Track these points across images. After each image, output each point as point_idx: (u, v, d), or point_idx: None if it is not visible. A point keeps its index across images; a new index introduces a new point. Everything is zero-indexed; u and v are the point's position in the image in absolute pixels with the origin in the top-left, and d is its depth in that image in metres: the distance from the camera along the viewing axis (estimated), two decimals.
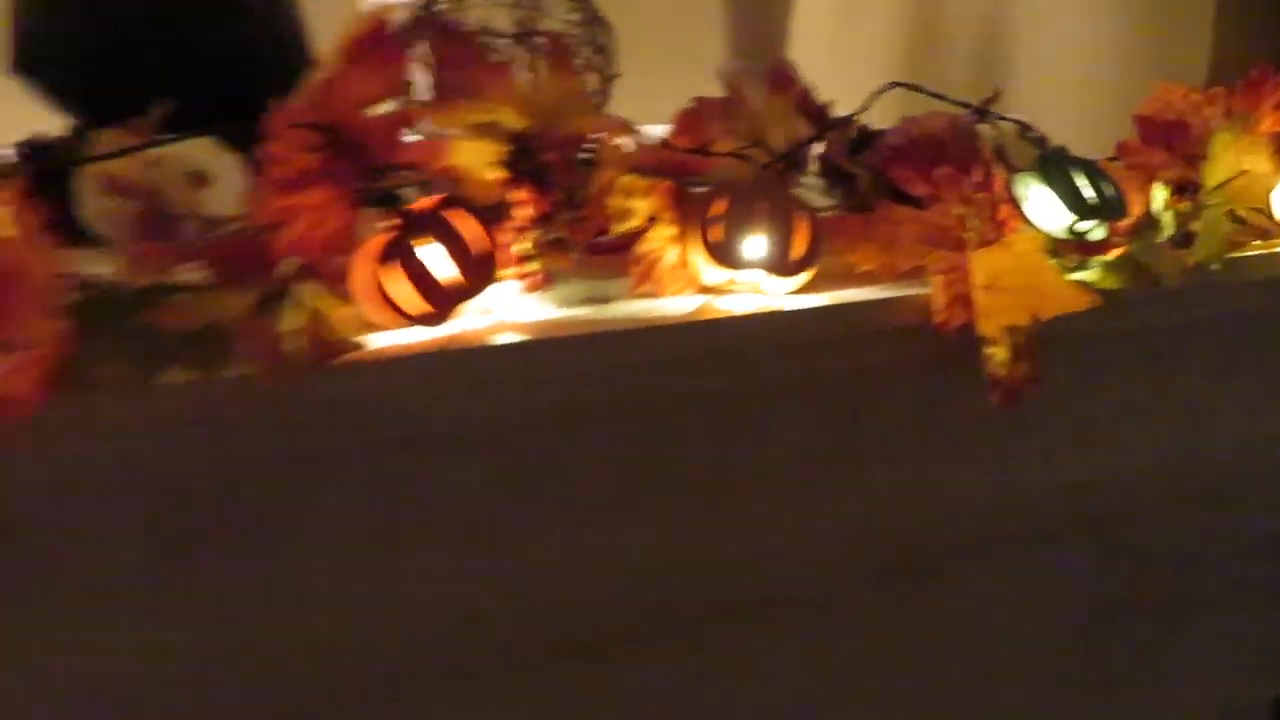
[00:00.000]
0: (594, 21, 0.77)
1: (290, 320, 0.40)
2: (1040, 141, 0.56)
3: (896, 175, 0.53)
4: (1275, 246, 0.62)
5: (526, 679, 0.52)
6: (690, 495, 0.52)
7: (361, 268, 0.43)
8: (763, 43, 0.76)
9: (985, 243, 0.49)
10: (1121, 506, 0.66)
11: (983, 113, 0.57)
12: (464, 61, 0.43)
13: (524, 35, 0.69)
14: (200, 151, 0.53)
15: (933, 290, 0.50)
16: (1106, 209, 0.54)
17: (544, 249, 0.46)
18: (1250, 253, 0.62)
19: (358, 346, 0.42)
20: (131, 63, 0.61)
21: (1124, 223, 0.55)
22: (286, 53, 0.66)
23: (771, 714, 0.59)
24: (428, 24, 0.58)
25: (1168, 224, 0.53)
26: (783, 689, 0.59)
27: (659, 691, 0.56)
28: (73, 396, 0.37)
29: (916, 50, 0.87)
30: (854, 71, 0.64)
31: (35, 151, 0.56)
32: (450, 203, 0.44)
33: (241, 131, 0.47)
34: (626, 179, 0.48)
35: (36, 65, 0.62)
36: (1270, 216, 0.60)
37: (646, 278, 0.49)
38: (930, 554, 0.62)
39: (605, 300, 0.49)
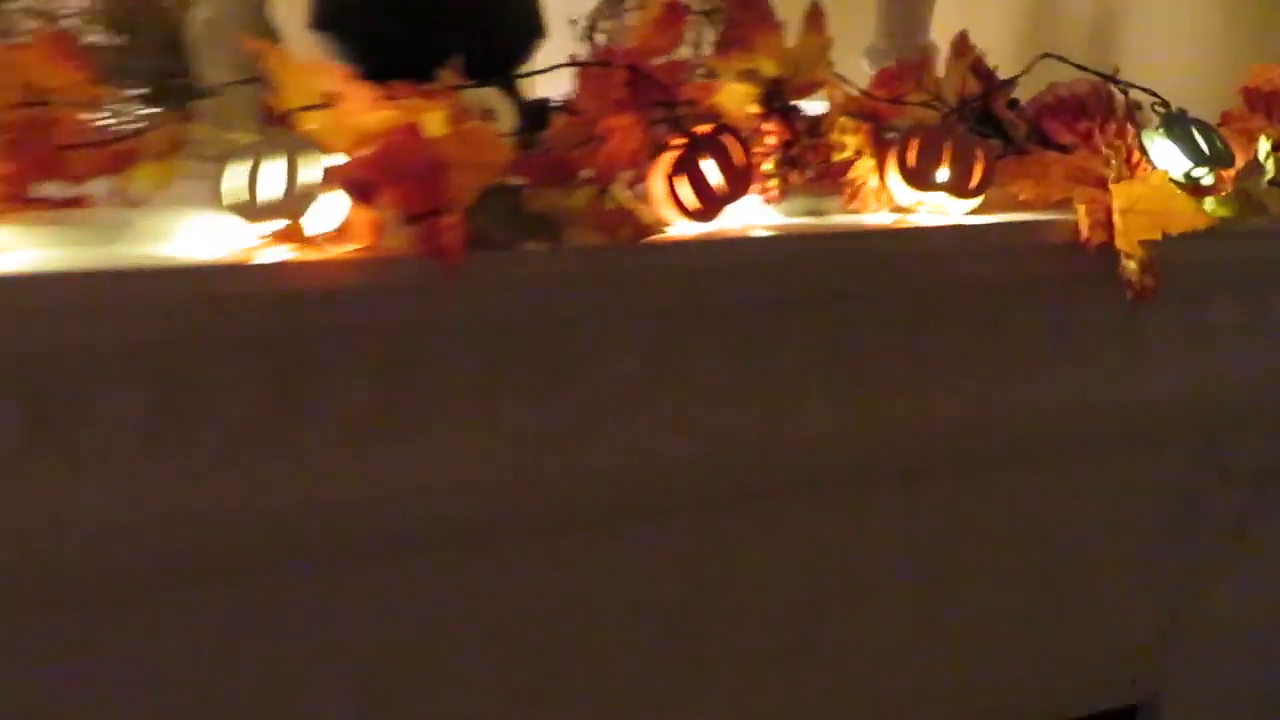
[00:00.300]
0: None
1: (611, 207, 0.55)
2: (1165, 105, 0.69)
3: (1048, 127, 0.67)
4: None
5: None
6: (864, 373, 0.65)
7: (657, 174, 0.57)
8: (909, 24, 0.89)
9: (1122, 178, 0.62)
10: (1216, 418, 0.78)
11: (1117, 82, 0.70)
12: (745, 20, 0.57)
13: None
14: (489, 95, 0.68)
15: (1079, 216, 0.63)
16: (1217, 158, 0.67)
17: (783, 169, 0.60)
18: None
19: (657, 231, 0.56)
20: (412, 25, 0.75)
21: (1230, 170, 0.67)
22: (528, 19, 0.80)
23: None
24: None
25: (1271, 168, 0.66)
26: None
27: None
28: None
29: (1039, 27, 1.00)
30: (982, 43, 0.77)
31: None
32: (721, 129, 0.58)
33: (505, 79, 0.62)
34: (843, 119, 0.61)
35: (335, 24, 0.76)
36: None
37: (854, 197, 0.63)
38: (1051, 446, 0.76)
39: (822, 213, 0.63)
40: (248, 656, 0.59)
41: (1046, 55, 0.69)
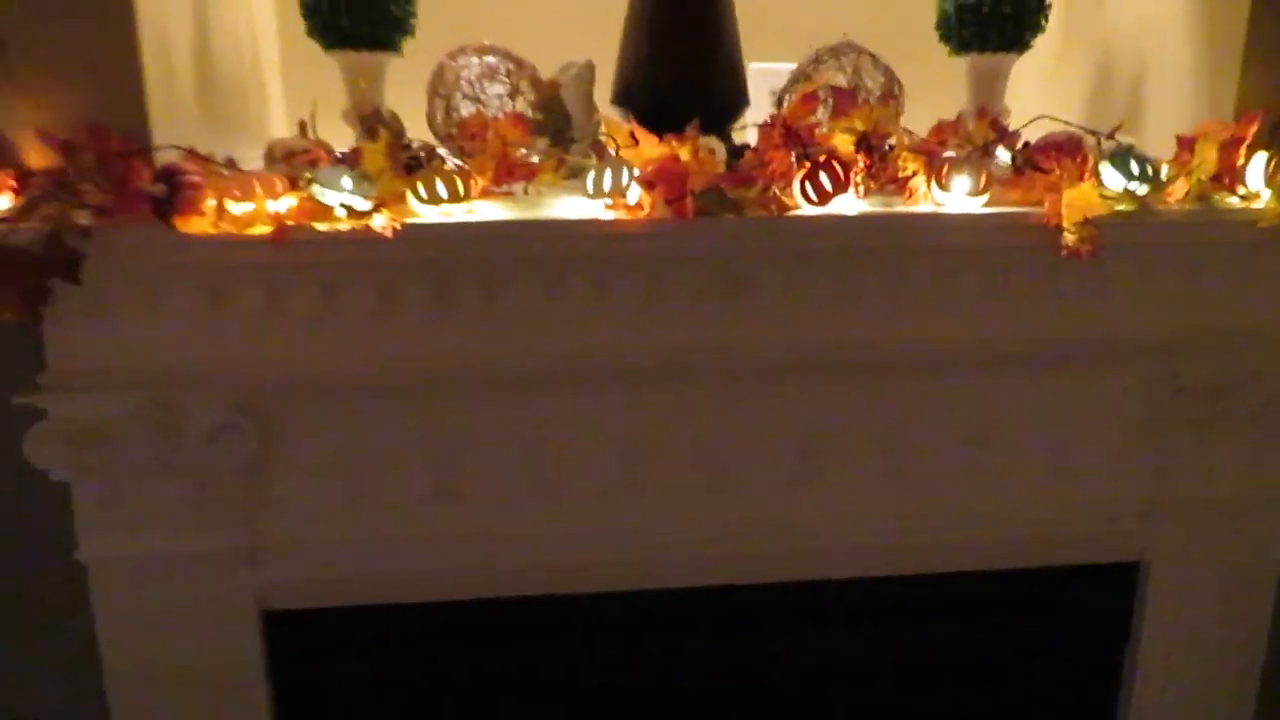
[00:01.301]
0: (890, 78, 1.40)
1: (769, 197, 1.07)
2: (1121, 145, 1.13)
3: (1037, 158, 1.13)
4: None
5: None
6: (922, 303, 1.15)
7: (796, 180, 1.09)
8: (989, 99, 1.36)
9: (1069, 188, 1.08)
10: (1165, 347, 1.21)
11: (1094, 133, 1.15)
12: (846, 101, 1.09)
13: (855, 87, 1.33)
14: (712, 140, 1.23)
15: (1048, 208, 1.09)
16: (1145, 178, 1.11)
17: (866, 180, 1.10)
18: None
19: (793, 209, 1.08)
20: (670, 101, 1.30)
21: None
22: (738, 94, 1.34)
23: None
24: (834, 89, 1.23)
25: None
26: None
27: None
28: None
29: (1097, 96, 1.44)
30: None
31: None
32: (831, 158, 1.09)
33: (722, 131, 1.16)
34: (906, 153, 1.11)
35: (626, 100, 1.33)
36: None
37: (910, 196, 1.12)
38: (1045, 361, 1.21)
39: (890, 205, 1.13)
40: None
41: (1042, 116, 1.16)
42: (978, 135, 1.14)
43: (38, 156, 1.07)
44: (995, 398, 1.22)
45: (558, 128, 1.18)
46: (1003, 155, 1.17)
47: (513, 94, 1.38)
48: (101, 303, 1.06)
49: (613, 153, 1.09)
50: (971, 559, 1.28)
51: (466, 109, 1.36)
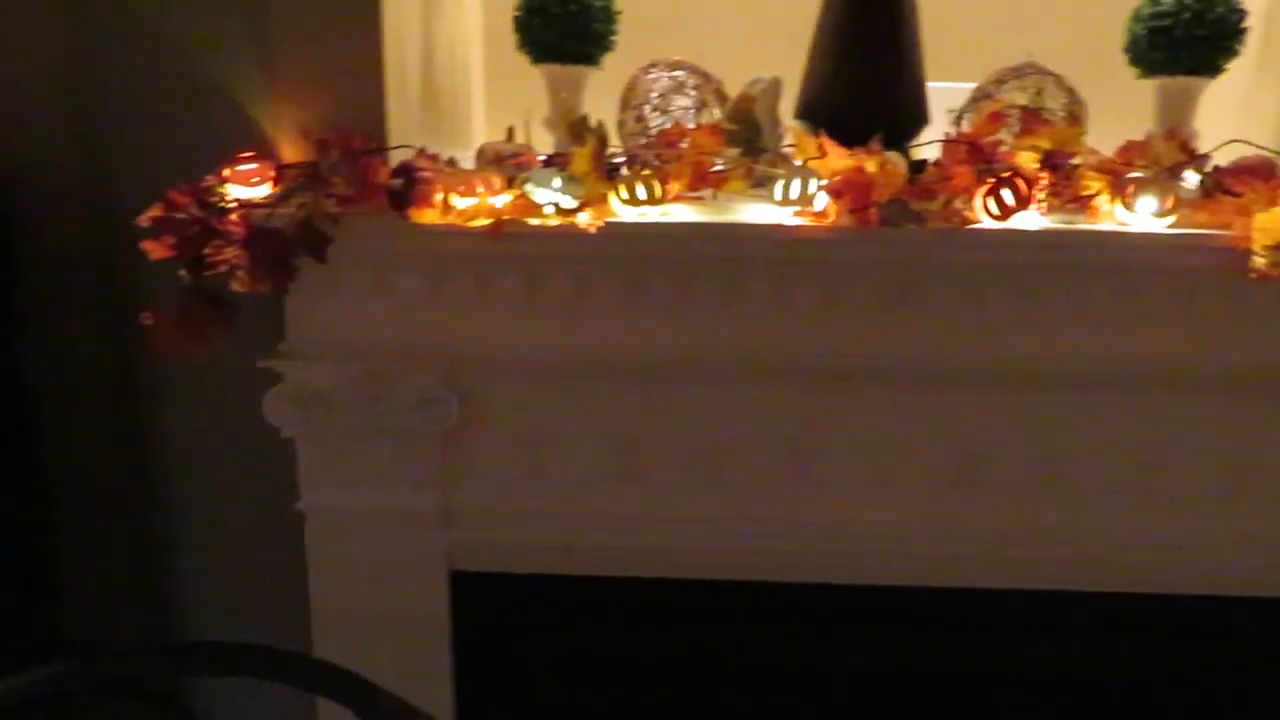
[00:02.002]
0: (1074, 99, 1.42)
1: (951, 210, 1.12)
2: None
3: (1228, 180, 1.13)
4: None
5: None
6: (1107, 314, 1.16)
7: (979, 195, 1.13)
8: (1178, 120, 1.35)
9: (1265, 209, 1.08)
10: None
11: None
12: (1032, 120, 1.12)
13: (1038, 107, 1.35)
14: (894, 155, 1.27)
15: (1237, 230, 1.09)
16: None
17: (1049, 198, 1.13)
18: None
19: (974, 223, 1.12)
20: (853, 116, 1.36)
21: None
22: (918, 112, 1.39)
23: None
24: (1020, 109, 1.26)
25: None
26: None
27: None
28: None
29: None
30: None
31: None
32: (1015, 174, 1.13)
33: (902, 148, 1.21)
34: (1090, 171, 1.14)
35: (809, 115, 1.39)
36: None
37: (1093, 215, 1.14)
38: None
39: (1071, 223, 1.15)
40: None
41: (1234, 140, 1.16)
42: (1166, 157, 1.15)
43: (291, 151, 1.22)
44: (1169, 419, 1.22)
45: (749, 139, 1.25)
46: (1191, 178, 1.17)
47: (699, 107, 1.47)
48: (336, 282, 1.20)
49: (800, 163, 1.16)
50: (1128, 580, 1.28)
51: (655, 120, 1.45)
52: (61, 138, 1.41)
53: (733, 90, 1.39)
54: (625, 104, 1.49)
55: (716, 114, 1.42)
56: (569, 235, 1.13)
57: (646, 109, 1.47)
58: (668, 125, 1.41)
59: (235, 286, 1.12)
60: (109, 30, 1.37)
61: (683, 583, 1.31)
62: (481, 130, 1.65)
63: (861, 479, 1.26)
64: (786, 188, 1.13)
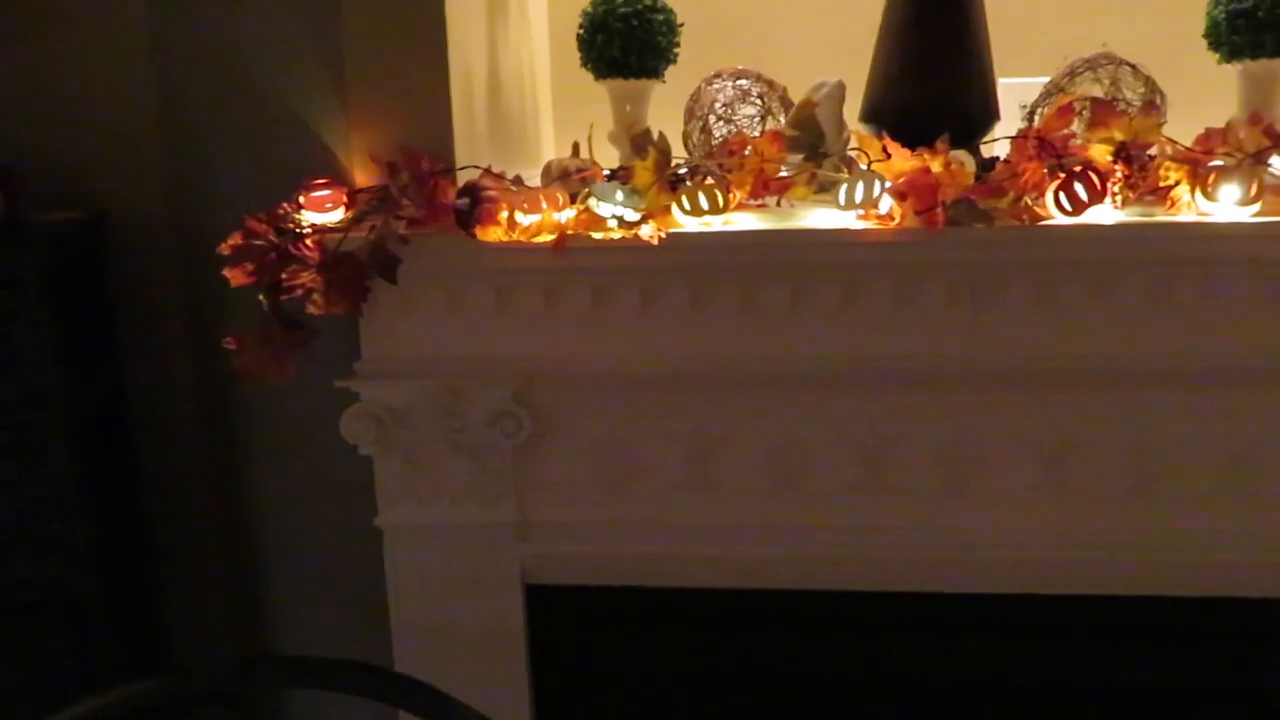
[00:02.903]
0: (1151, 88, 1.37)
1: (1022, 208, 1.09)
2: None
3: None
4: None
5: None
6: (1193, 311, 1.12)
7: (1050, 191, 1.10)
8: (1265, 107, 1.30)
9: None
10: None
11: None
12: (1104, 111, 1.09)
13: (1113, 99, 1.31)
14: (962, 154, 1.25)
15: None
16: None
17: (1125, 191, 1.10)
18: None
19: (1045, 219, 1.09)
20: (918, 117, 1.34)
21: None
22: (988, 109, 1.36)
23: None
24: (1091, 100, 1.23)
25: None
26: None
27: None
28: None
29: None
30: None
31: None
32: (1087, 168, 1.09)
33: (972, 145, 1.18)
34: (1168, 162, 1.10)
35: (874, 118, 1.38)
36: None
37: (1172, 206, 1.10)
38: None
39: (1149, 215, 1.11)
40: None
41: None
42: (1249, 143, 1.10)
43: (362, 176, 1.25)
44: (1261, 416, 1.17)
45: (811, 143, 1.25)
46: (1277, 164, 1.12)
47: (764, 115, 1.46)
48: (408, 301, 1.23)
49: (864, 166, 1.14)
50: (1224, 583, 1.23)
51: (720, 130, 1.46)
52: (153, 173, 1.48)
53: (797, 96, 1.38)
54: (690, 115, 1.50)
55: (781, 121, 1.42)
56: (633, 247, 1.13)
57: (711, 119, 1.47)
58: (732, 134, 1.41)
59: (311, 309, 1.15)
60: (194, 68, 1.43)
61: (760, 593, 1.30)
62: (550, 147, 1.68)
63: (941, 484, 1.24)
64: (850, 191, 1.12)
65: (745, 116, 1.45)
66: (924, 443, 1.23)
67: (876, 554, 1.26)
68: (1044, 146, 1.10)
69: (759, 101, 1.47)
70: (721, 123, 1.47)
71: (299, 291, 1.15)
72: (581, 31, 1.40)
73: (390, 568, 1.34)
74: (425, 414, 1.26)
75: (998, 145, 1.28)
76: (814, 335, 1.19)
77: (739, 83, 1.47)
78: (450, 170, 1.21)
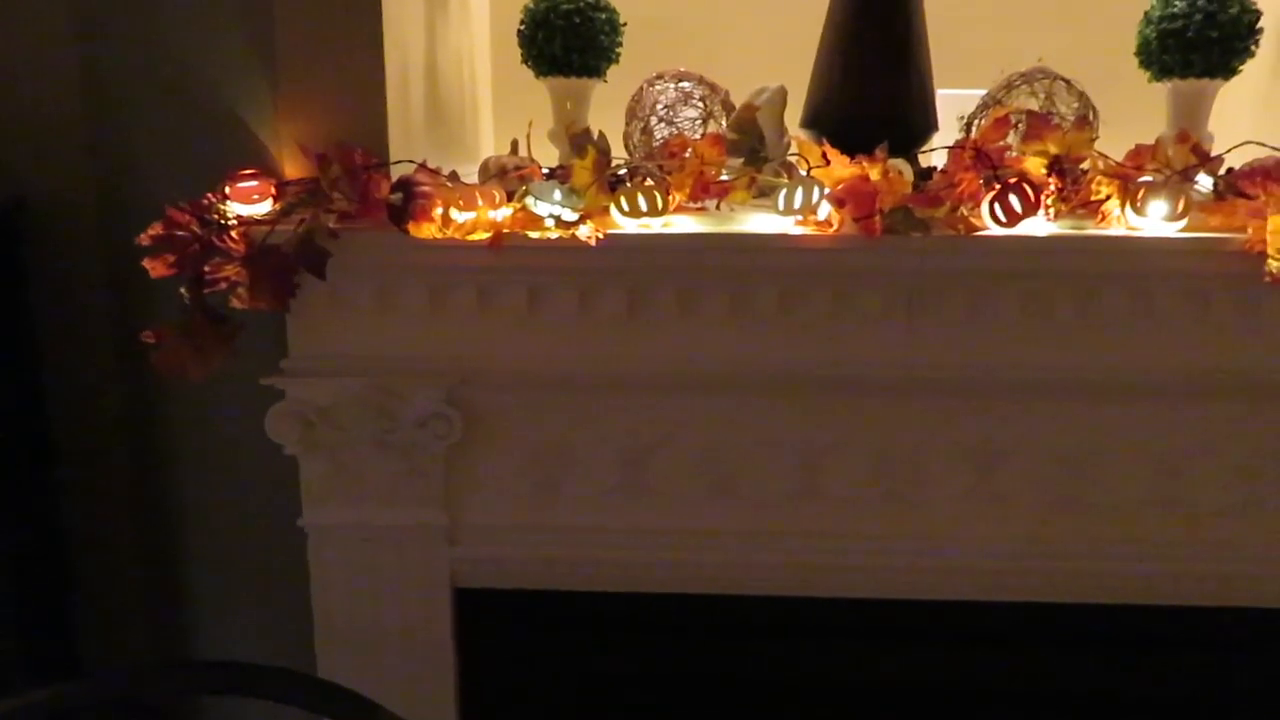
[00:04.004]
0: (1084, 103, 1.39)
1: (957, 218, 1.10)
2: None
3: (1241, 184, 1.11)
4: None
5: None
6: (1126, 322, 1.14)
7: (985, 202, 1.11)
8: (1190, 124, 1.33)
9: (1278, 212, 1.06)
10: None
11: None
12: (1039, 124, 1.10)
13: (1048, 113, 1.33)
14: (900, 163, 1.26)
15: (1251, 234, 1.07)
16: None
17: (1058, 204, 1.11)
18: None
19: (979, 230, 1.10)
20: (857, 125, 1.34)
21: None
22: (927, 120, 1.37)
23: None
24: (1027, 113, 1.24)
25: None
26: None
27: None
28: None
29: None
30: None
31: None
32: (1021, 180, 1.11)
33: (910, 155, 1.19)
34: (1100, 176, 1.11)
35: (814, 124, 1.38)
36: None
37: (1103, 219, 1.12)
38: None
39: (1080, 228, 1.13)
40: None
41: (1249, 142, 1.14)
42: (1178, 160, 1.12)
43: (292, 168, 1.22)
44: (1187, 427, 1.19)
45: (752, 148, 1.24)
46: (1204, 181, 1.14)
47: (705, 118, 1.46)
48: (337, 298, 1.19)
49: (803, 172, 1.14)
50: (1150, 591, 1.25)
51: (661, 131, 1.45)
52: (74, 156, 1.42)
53: (739, 101, 1.38)
54: (631, 116, 1.49)
55: (723, 125, 1.42)
56: (570, 248, 1.12)
57: (653, 120, 1.46)
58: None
59: (235, 304, 1.12)
60: (119, 49, 1.38)
61: (690, 598, 1.30)
62: (490, 144, 1.65)
63: (869, 492, 1.24)
64: (789, 196, 1.12)
65: (686, 119, 1.45)
66: (860, 450, 1.23)
67: (811, 559, 1.26)
68: (980, 157, 1.11)
69: (701, 104, 1.47)
70: (663, 124, 1.46)
71: (223, 285, 1.11)
72: (523, 27, 1.38)
73: (315, 569, 1.30)
74: (354, 413, 1.23)
75: (935, 155, 1.29)
76: (751, 341, 1.18)
77: (681, 85, 1.46)
78: (384, 165, 1.18)
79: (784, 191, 1.12)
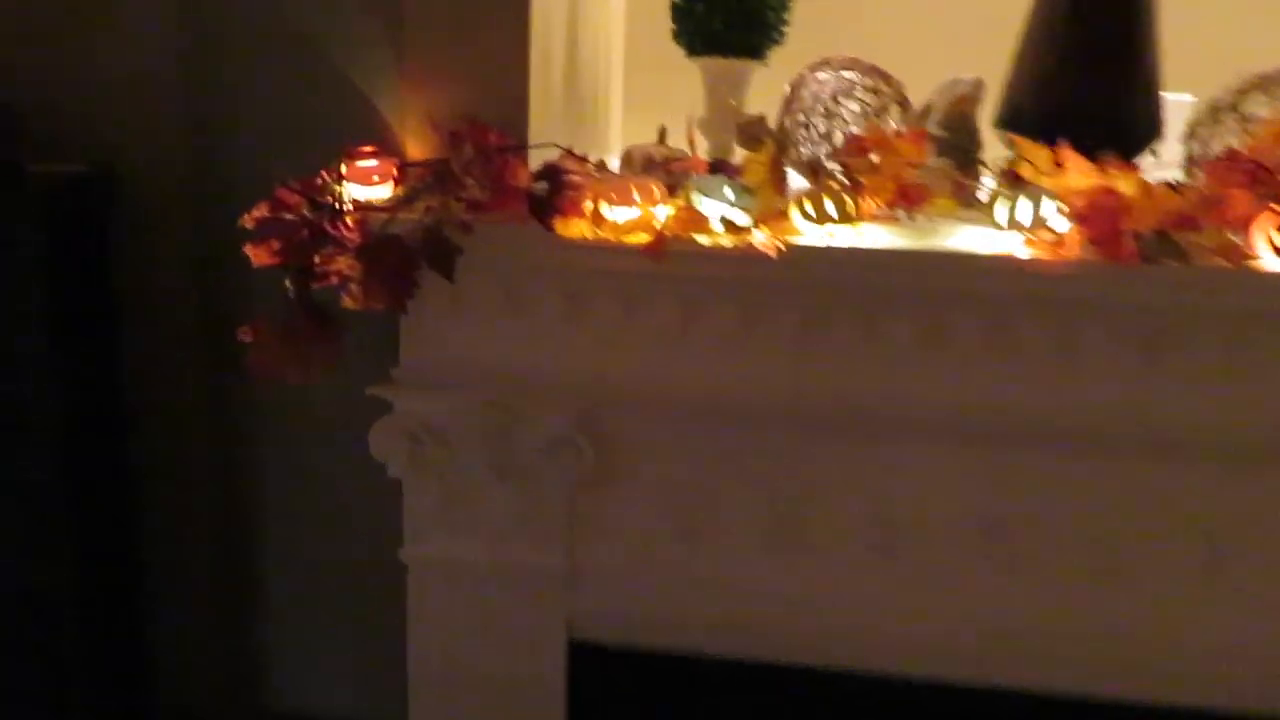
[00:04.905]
0: None
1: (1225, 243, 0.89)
2: None
3: None
4: None
5: None
6: None
7: (1262, 226, 0.89)
8: None
9: None
10: None
11: None
12: None
13: None
14: None
15: None
16: None
17: None
18: None
19: (1251, 259, 0.89)
20: (1076, 125, 1.12)
21: None
22: (1152, 125, 1.15)
23: None
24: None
25: None
26: None
27: None
28: None
29: None
30: None
31: None
32: None
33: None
34: None
35: (1012, 124, 1.17)
36: None
37: None
38: None
39: None
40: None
41: None
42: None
43: (415, 147, 1.05)
44: None
45: (964, 148, 1.04)
46: None
47: (877, 112, 1.26)
48: (461, 299, 1.03)
49: (1027, 180, 0.94)
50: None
51: (822, 125, 1.26)
52: (170, 123, 1.27)
53: (912, 95, 1.19)
54: (787, 107, 1.29)
55: (893, 123, 1.22)
56: (737, 257, 0.93)
57: (817, 114, 1.27)
58: (837, 132, 1.22)
59: (347, 303, 0.95)
60: (226, 7, 1.23)
61: (840, 675, 1.10)
62: (617, 131, 1.48)
63: (1078, 564, 1.03)
64: (1013, 209, 0.92)
65: (850, 112, 1.25)
66: (1062, 515, 1.03)
67: (1004, 640, 1.05)
68: (1259, 174, 0.90)
69: (873, 97, 1.27)
70: (822, 118, 1.27)
71: (333, 279, 0.95)
72: (679, 0, 1.20)
73: (413, 608, 1.14)
74: (470, 434, 1.06)
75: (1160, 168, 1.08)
76: (949, 377, 0.99)
77: (846, 74, 1.27)
78: (523, 147, 1.01)
79: (1006, 202, 0.92)
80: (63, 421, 1.21)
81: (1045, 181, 0.93)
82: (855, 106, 1.28)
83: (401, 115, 1.05)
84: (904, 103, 1.24)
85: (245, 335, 0.98)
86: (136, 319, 1.29)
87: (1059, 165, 0.93)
